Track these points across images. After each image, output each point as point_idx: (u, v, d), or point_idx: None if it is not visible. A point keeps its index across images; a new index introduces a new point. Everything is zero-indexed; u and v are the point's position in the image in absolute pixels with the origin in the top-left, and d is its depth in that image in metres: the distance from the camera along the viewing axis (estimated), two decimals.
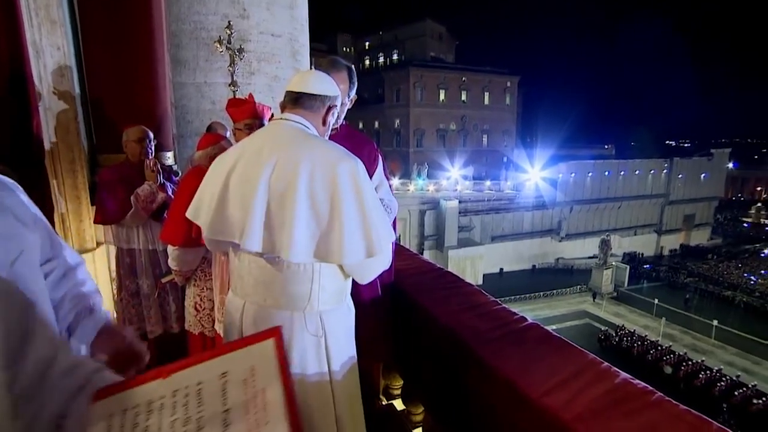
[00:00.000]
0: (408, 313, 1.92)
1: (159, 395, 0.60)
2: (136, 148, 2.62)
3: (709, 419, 1.03)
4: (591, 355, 1.37)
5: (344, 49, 52.27)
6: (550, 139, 46.98)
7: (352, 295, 1.41)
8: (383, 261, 1.28)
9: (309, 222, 1.15)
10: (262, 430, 0.56)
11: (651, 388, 1.18)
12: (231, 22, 3.34)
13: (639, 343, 20.84)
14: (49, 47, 2.71)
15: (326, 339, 1.26)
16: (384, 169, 1.93)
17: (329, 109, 1.33)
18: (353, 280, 1.37)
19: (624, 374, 1.26)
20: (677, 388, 17.68)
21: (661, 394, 1.15)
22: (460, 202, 30.25)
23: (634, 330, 22.46)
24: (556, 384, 1.20)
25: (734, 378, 17.63)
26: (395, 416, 2.29)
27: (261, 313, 1.25)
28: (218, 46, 3.14)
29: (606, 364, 1.31)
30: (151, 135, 2.69)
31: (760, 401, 15.93)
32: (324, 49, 50.29)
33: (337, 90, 1.35)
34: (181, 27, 4.78)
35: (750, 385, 17.01)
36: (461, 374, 1.51)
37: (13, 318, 0.57)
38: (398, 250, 2.42)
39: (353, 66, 1.90)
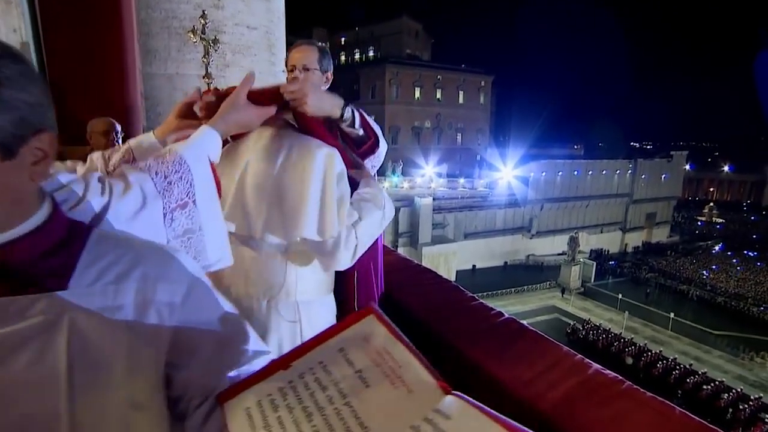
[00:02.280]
0: (386, 308, 1.92)
1: (287, 381, 0.61)
2: (101, 140, 2.51)
3: (672, 405, 1.09)
4: (565, 348, 1.42)
5: (319, 43, 51.57)
6: (522, 138, 48.13)
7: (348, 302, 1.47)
8: (342, 253, 1.28)
9: (280, 203, 1.24)
10: (398, 372, 0.58)
11: (621, 377, 1.23)
12: (205, 12, 3.24)
13: (604, 336, 21.75)
14: (4, 29, 2.55)
15: (302, 326, 1.32)
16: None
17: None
18: (352, 287, 1.46)
19: (596, 365, 1.31)
20: (637, 377, 18.58)
21: (630, 383, 1.21)
22: (434, 199, 30.53)
23: (600, 324, 23.42)
24: (533, 376, 1.24)
25: (687, 366, 18.73)
26: None
27: (240, 303, 1.30)
28: (192, 36, 3.04)
29: (579, 356, 1.36)
30: (119, 127, 2.58)
31: (709, 387, 17.01)
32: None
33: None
34: (151, 15, 4.58)
35: (700, 372, 18.15)
36: (440, 368, 1.54)
37: None
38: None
39: (326, 47, 1.91)
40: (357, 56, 50.66)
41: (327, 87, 1.84)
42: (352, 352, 0.62)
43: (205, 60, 2.99)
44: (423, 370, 0.58)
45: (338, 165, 1.27)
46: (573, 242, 30.53)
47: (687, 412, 1.08)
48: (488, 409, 0.49)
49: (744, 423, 15.19)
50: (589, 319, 24.19)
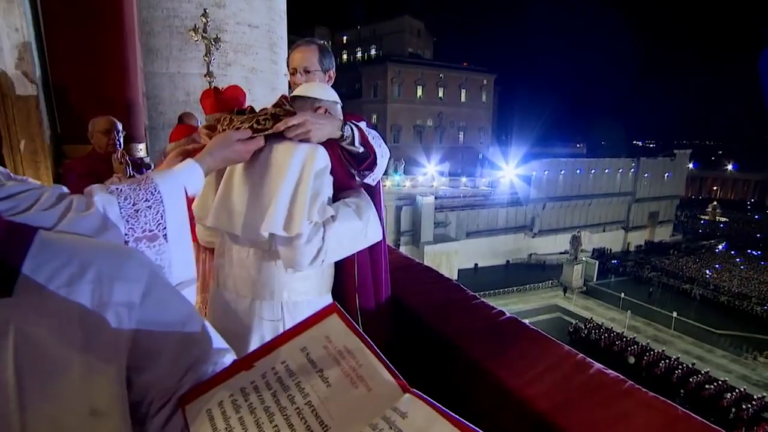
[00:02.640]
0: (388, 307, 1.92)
1: (249, 381, 0.62)
2: (103, 139, 2.51)
3: (675, 404, 1.08)
4: (567, 347, 1.41)
5: (320, 41, 51.51)
6: (524, 136, 47.99)
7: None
8: (303, 249, 1.22)
9: (259, 200, 1.24)
10: (358, 371, 0.59)
11: (622, 377, 1.23)
12: (207, 11, 3.23)
13: (606, 335, 21.69)
14: (6, 28, 2.55)
15: (284, 326, 1.30)
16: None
17: (317, 109, 1.40)
18: (352, 288, 1.46)
19: (597, 365, 1.30)
20: (640, 376, 18.53)
21: (632, 383, 1.20)
22: (436, 198, 30.51)
23: (602, 323, 23.35)
24: (534, 375, 1.23)
25: (690, 366, 18.66)
26: None
27: (227, 301, 1.33)
28: (193, 34, 3.03)
29: (581, 355, 1.35)
30: (120, 126, 2.58)
31: (712, 386, 16.94)
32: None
33: (329, 96, 1.46)
34: (152, 14, 4.60)
35: (703, 372, 18.08)
36: (441, 367, 1.53)
37: None
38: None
39: (327, 44, 1.92)
40: (359, 55, 50.58)
41: (330, 84, 1.84)
42: (315, 352, 0.63)
43: (206, 59, 2.98)
44: (383, 370, 0.59)
45: (320, 160, 1.26)
46: (575, 241, 30.46)
47: (689, 412, 1.07)
48: (442, 407, 0.51)
49: (747, 423, 15.12)
50: (592, 318, 24.12)
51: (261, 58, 5.13)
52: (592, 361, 1.32)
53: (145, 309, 0.58)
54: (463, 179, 35.35)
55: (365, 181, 1.42)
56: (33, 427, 0.47)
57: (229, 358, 0.69)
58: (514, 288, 28.75)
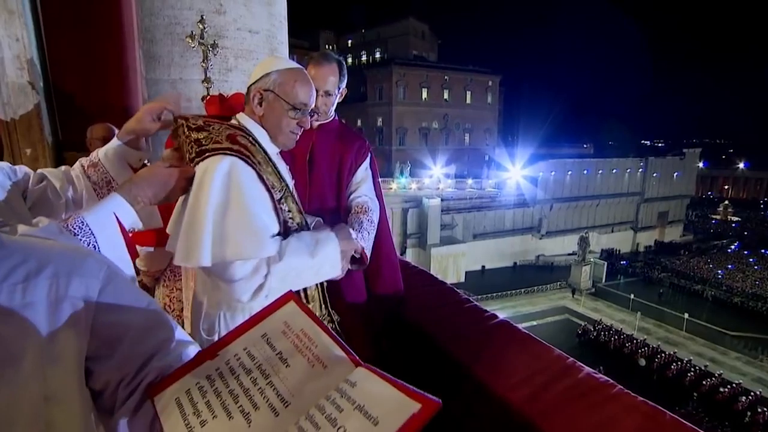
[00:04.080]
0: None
1: (215, 369, 0.67)
2: (100, 146, 2.53)
3: (663, 410, 1.06)
4: (557, 351, 1.40)
5: (327, 46, 51.89)
6: (531, 137, 47.80)
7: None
8: (240, 285, 1.15)
9: (180, 222, 1.16)
10: (314, 351, 0.65)
11: (612, 381, 1.21)
12: (204, 17, 3.26)
13: (616, 337, 21.43)
14: (7, 38, 2.60)
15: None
16: (373, 167, 1.88)
17: (255, 94, 1.27)
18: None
19: (587, 369, 1.28)
20: (651, 379, 18.26)
21: (621, 387, 1.18)
22: (442, 200, 30.45)
23: (611, 324, 23.08)
24: (521, 379, 1.22)
25: (702, 368, 18.32)
26: None
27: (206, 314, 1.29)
28: (190, 41, 3.06)
29: (571, 359, 1.33)
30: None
31: (726, 389, 16.61)
32: (306, 46, 49.79)
33: (266, 69, 1.27)
34: (154, 22, 4.65)
35: (717, 374, 17.73)
36: (430, 370, 1.52)
37: None
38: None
39: (343, 60, 1.90)
40: (364, 58, 50.76)
41: (341, 100, 1.85)
42: (274, 337, 0.69)
43: (203, 65, 3.00)
44: (337, 349, 0.66)
45: (236, 181, 1.12)
46: (583, 242, 30.17)
47: (678, 417, 1.05)
48: (392, 377, 0.57)
49: (763, 427, 14.80)
50: (601, 320, 23.84)
51: (291, 63, 5.15)
52: (582, 365, 1.30)
53: (103, 302, 0.62)
54: (470, 181, 35.23)
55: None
56: None
57: (193, 349, 0.73)
58: (522, 290, 28.53)
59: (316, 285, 1.36)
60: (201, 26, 3.22)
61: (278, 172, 1.25)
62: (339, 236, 1.27)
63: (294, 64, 1.31)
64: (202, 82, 3.30)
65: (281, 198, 1.21)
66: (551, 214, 36.17)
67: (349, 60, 52.34)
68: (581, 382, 1.21)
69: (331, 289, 1.43)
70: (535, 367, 1.28)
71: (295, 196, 1.31)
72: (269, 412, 0.61)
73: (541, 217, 35.72)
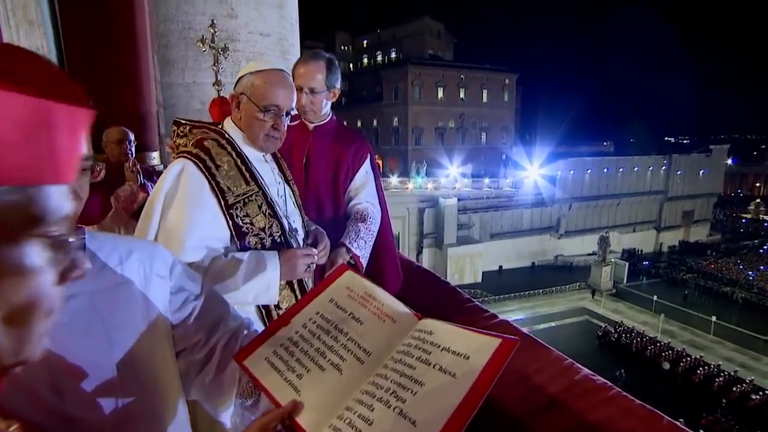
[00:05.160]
0: None
1: (294, 332, 0.75)
2: (115, 149, 2.62)
3: (660, 414, 1.03)
4: (556, 352, 1.37)
5: (342, 47, 52.21)
6: (548, 136, 47.00)
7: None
8: None
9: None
10: (382, 309, 0.76)
11: (609, 383, 1.18)
12: (215, 21, 3.33)
13: (638, 339, 20.87)
14: (29, 47, 2.71)
15: None
16: (374, 169, 1.85)
17: (233, 98, 1.32)
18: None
19: (586, 371, 1.26)
20: (676, 383, 17.72)
21: (618, 389, 1.15)
22: (459, 200, 30.22)
23: (633, 326, 22.48)
24: (517, 380, 1.21)
25: (732, 373, 17.66)
26: None
27: None
28: (201, 45, 3.13)
29: (569, 361, 1.31)
30: (132, 136, 2.69)
31: (758, 396, 15.98)
32: (321, 47, 50.10)
33: (243, 72, 1.30)
34: (169, 27, 4.78)
35: (748, 380, 17.06)
36: None
37: None
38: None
39: (335, 58, 1.86)
40: (379, 58, 50.85)
41: (333, 101, 1.79)
42: (342, 301, 0.78)
43: (214, 68, 3.07)
44: (400, 305, 0.77)
45: (182, 183, 1.17)
46: (603, 242, 29.49)
47: (675, 422, 1.02)
48: (454, 323, 0.68)
49: None
50: (622, 322, 23.24)
51: (273, 65, 5.23)
52: (580, 366, 1.28)
53: (174, 278, 0.77)
54: (486, 180, 34.87)
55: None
56: (124, 364, 0.64)
57: (248, 319, 0.89)
58: (540, 290, 28.07)
59: (288, 284, 1.34)
60: (212, 30, 3.29)
61: (245, 176, 1.25)
62: (282, 261, 1.23)
63: (271, 66, 1.31)
64: (213, 84, 3.38)
65: (235, 203, 1.22)
66: (570, 213, 35.49)
67: (365, 60, 52.51)
68: (578, 384, 1.18)
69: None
70: (533, 367, 1.26)
71: (273, 199, 1.31)
72: (355, 361, 0.69)
73: (560, 217, 35.08)
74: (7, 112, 0.37)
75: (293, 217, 1.39)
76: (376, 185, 1.85)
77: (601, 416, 1.05)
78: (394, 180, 31.32)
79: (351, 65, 53.30)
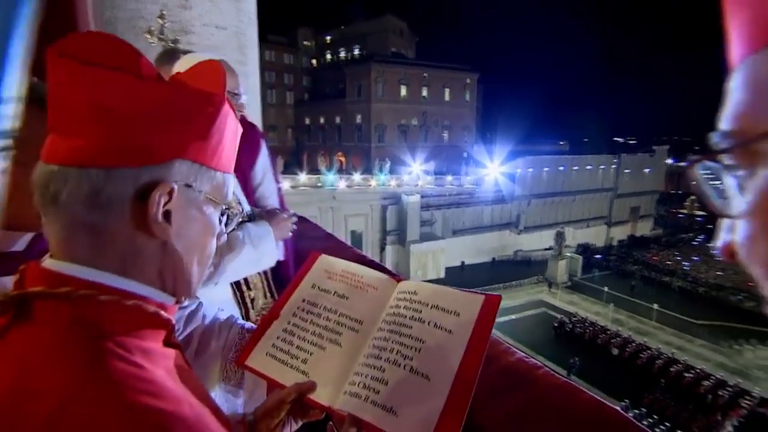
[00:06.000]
0: None
1: (286, 322, 0.78)
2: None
3: (583, 389, 1.13)
4: (494, 337, 1.46)
5: (305, 42, 51.43)
6: (508, 135, 48.43)
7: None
8: None
9: None
10: (362, 281, 0.80)
11: (540, 364, 1.28)
12: (165, 12, 3.23)
13: (591, 328, 22.05)
14: None
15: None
16: (272, 162, 1.76)
17: None
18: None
19: (520, 354, 1.35)
20: (623, 367, 18.93)
21: (547, 369, 1.25)
22: (421, 197, 30.61)
23: (587, 317, 23.74)
24: None
25: (670, 355, 19.15)
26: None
27: None
28: (149, 37, 3.02)
29: (506, 345, 1.40)
30: None
31: (691, 374, 17.45)
32: (284, 43, 49.20)
33: None
34: (116, 14, 4.54)
35: (682, 361, 18.61)
36: None
37: None
38: (334, 244, 2.45)
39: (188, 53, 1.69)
40: (342, 55, 50.53)
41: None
42: (323, 284, 0.82)
43: None
44: (377, 273, 0.82)
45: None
46: (560, 237, 30.89)
47: (596, 396, 1.12)
48: (432, 284, 0.74)
49: (723, 407, 15.56)
50: (576, 312, 24.49)
51: (229, 59, 4.99)
52: (515, 350, 1.37)
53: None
54: (449, 177, 35.53)
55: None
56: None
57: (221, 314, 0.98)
58: (501, 285, 29.00)
59: (259, 273, 1.40)
60: (161, 21, 3.18)
61: None
62: (272, 225, 1.34)
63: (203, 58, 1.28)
64: None
65: None
66: (529, 209, 36.86)
67: (328, 56, 51.99)
68: (510, 366, 1.27)
69: (276, 277, 1.47)
70: None
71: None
72: (351, 332, 0.73)
73: (519, 213, 36.36)
74: (231, 123, 0.56)
75: (243, 201, 1.42)
76: (274, 175, 1.77)
77: (530, 394, 1.14)
78: (357, 177, 31.26)
79: (314, 61, 52.60)
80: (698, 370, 17.79)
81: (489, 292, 0.71)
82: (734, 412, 15.18)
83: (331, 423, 0.69)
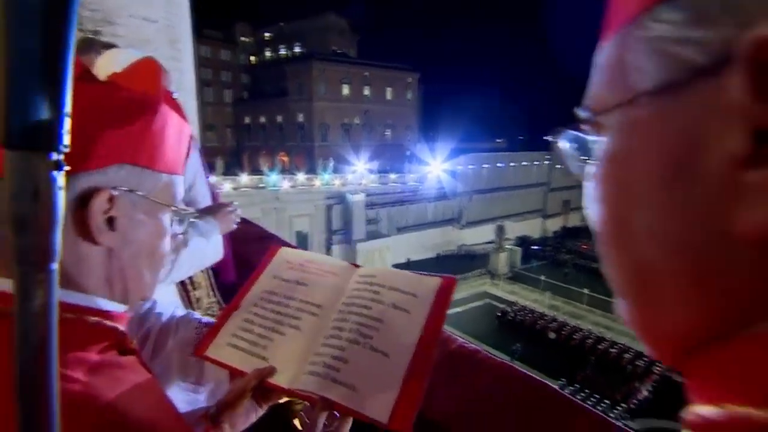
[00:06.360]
0: None
1: (247, 312, 0.78)
2: None
3: (515, 367, 1.23)
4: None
5: (243, 39, 49.55)
6: (450, 133, 49.90)
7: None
8: None
9: None
10: (323, 268, 0.82)
11: (479, 348, 1.36)
12: (86, 2, 2.98)
13: (530, 315, 23.45)
14: None
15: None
16: (204, 163, 1.71)
17: None
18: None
19: (461, 340, 1.43)
20: (560, 349, 20.41)
21: (486, 352, 1.34)
22: (366, 195, 30.76)
23: (526, 305, 25.21)
24: None
25: (598, 334, 21.03)
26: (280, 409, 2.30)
27: None
28: None
29: (448, 333, 1.47)
30: None
31: (615, 349, 19.35)
32: (220, 38, 47.05)
33: None
34: None
35: (608, 338, 20.54)
36: None
37: None
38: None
39: (113, 44, 1.60)
40: (283, 52, 49.37)
41: None
42: (283, 274, 0.83)
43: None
44: (337, 260, 0.86)
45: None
46: (500, 230, 32.43)
47: (528, 373, 1.22)
48: (388, 268, 0.78)
49: (640, 375, 17.43)
50: (517, 301, 25.91)
51: (160, 54, 4.75)
52: (457, 337, 1.44)
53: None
54: (392, 176, 35.99)
55: None
56: None
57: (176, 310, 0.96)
58: None
59: (203, 272, 1.37)
60: (79, 9, 2.94)
61: None
62: (216, 218, 1.32)
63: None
64: None
65: None
66: (470, 205, 38.32)
67: (268, 54, 50.52)
68: (453, 353, 1.35)
69: (217, 278, 1.45)
70: None
71: None
72: (311, 316, 0.73)
73: (461, 209, 37.68)
74: (173, 124, 0.55)
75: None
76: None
77: (467, 375, 1.22)
78: (301, 177, 30.74)
79: (253, 58, 50.86)
80: (621, 345, 19.65)
81: (445, 275, 0.75)
82: (648, 378, 17.06)
83: (300, 411, 0.72)
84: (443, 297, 0.72)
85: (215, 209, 1.37)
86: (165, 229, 0.56)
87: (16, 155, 0.20)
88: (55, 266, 0.21)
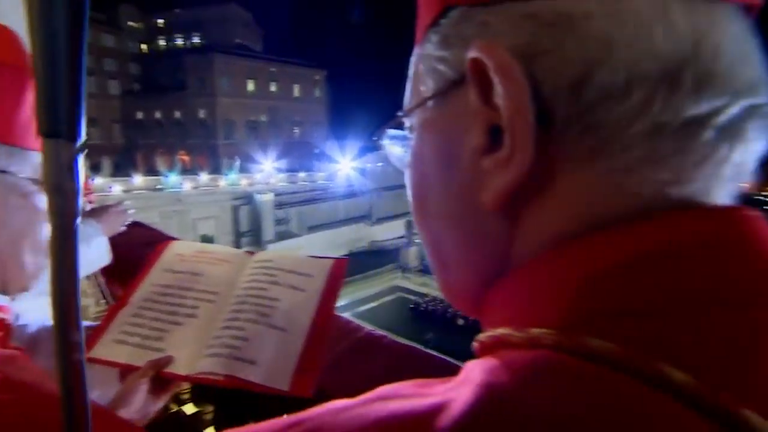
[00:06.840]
0: None
1: (136, 307, 0.74)
2: None
3: (420, 348, 1.32)
4: (345, 318, 1.57)
5: (130, 23, 44.39)
6: (359, 131, 50.37)
7: None
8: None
9: None
10: (216, 257, 0.81)
11: (385, 334, 1.43)
12: None
13: (440, 305, 24.77)
14: None
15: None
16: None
17: None
18: None
19: (368, 328, 1.49)
20: (468, 333, 21.88)
21: (392, 338, 1.41)
22: (275, 195, 29.81)
23: (437, 296, 26.60)
24: None
25: None
26: (186, 421, 2.16)
27: None
28: None
29: (355, 323, 1.52)
30: None
31: None
32: (103, 20, 41.58)
33: None
34: None
35: None
36: None
37: None
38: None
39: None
40: (179, 42, 45.43)
41: None
42: (176, 266, 0.80)
43: None
44: (230, 249, 0.87)
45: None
46: (409, 226, 33.70)
47: (433, 353, 1.32)
48: (284, 252, 0.79)
49: None
50: (428, 293, 27.20)
51: (17, 26, 4.14)
52: (365, 326, 1.50)
53: None
54: (302, 174, 35.36)
55: None
56: None
57: None
58: (359, 276, 30.25)
59: (89, 278, 1.28)
60: None
61: None
62: (97, 221, 1.23)
63: None
64: None
65: None
66: (379, 202, 39.19)
67: (162, 42, 46.13)
68: (362, 340, 1.40)
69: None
70: None
71: None
72: (207, 303, 0.72)
73: (371, 206, 38.38)
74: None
75: None
76: None
77: (375, 360, 1.28)
78: (204, 177, 28.68)
79: (144, 46, 45.89)
80: None
81: (337, 256, 0.83)
82: None
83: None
84: (337, 274, 0.78)
85: (97, 212, 1.28)
86: (43, 212, 0.51)
87: (52, 142, 0.22)
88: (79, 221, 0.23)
